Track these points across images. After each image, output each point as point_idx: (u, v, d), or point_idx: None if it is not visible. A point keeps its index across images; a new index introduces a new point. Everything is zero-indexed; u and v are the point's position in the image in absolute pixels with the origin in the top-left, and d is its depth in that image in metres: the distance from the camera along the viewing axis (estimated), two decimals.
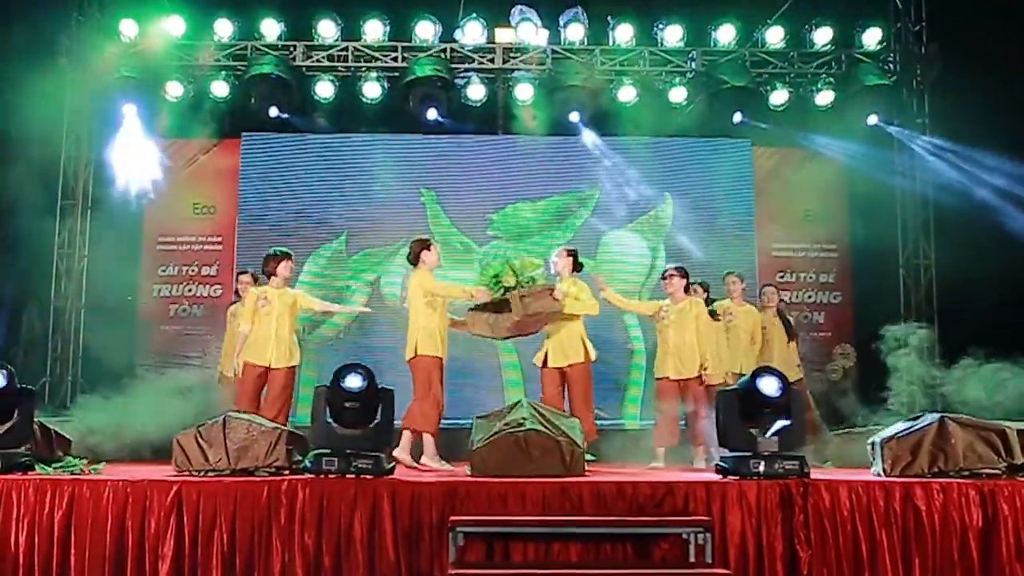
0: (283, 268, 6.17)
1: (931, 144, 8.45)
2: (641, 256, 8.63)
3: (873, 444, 4.97)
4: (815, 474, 4.58)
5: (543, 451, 4.80)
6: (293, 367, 6.07)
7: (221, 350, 6.92)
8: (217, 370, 6.89)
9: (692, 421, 6.21)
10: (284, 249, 6.30)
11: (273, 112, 8.24)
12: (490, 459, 4.79)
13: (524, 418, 4.97)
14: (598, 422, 6.36)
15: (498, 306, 5.75)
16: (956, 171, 8.25)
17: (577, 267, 6.29)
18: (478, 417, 5.28)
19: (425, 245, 5.91)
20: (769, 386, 4.58)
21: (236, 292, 7.12)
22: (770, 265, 8.67)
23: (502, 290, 5.69)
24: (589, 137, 8.61)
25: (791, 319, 7.24)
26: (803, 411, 4.75)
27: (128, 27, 8.08)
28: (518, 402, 5.31)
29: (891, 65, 8.56)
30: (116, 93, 8.08)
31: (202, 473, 4.58)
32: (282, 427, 4.84)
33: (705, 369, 6.21)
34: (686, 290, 6.43)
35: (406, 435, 5.64)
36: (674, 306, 6.37)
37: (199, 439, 4.67)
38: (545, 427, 4.93)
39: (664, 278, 6.49)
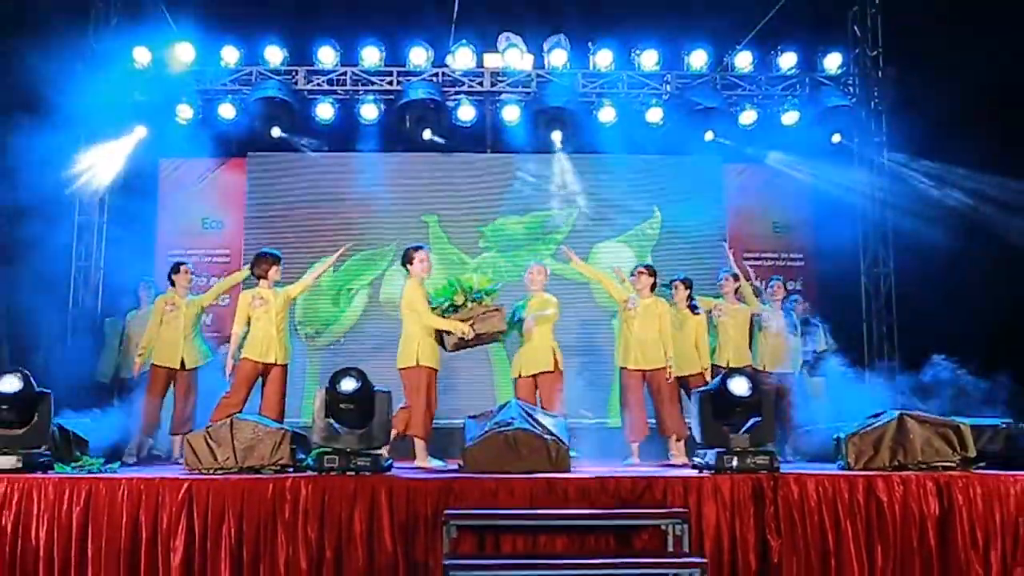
0: (273, 272, 6.13)
1: (889, 160, 8.50)
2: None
3: (838, 439, 5.00)
4: (785, 468, 4.59)
5: (531, 449, 4.81)
6: (287, 365, 6.05)
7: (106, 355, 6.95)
8: (109, 371, 6.88)
9: (660, 413, 6.21)
10: (274, 252, 6.25)
11: (276, 133, 8.20)
12: (481, 456, 4.79)
13: (513, 418, 4.97)
14: (583, 421, 6.38)
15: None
16: (913, 185, 8.32)
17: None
18: (470, 417, 5.29)
19: (412, 253, 5.82)
20: (739, 387, 4.61)
21: (138, 298, 7.17)
22: (741, 271, 8.67)
23: (453, 310, 5.69)
24: (559, 163, 8.62)
25: (796, 313, 7.20)
26: (773, 409, 4.76)
27: (141, 54, 8.05)
28: (507, 403, 5.31)
29: (851, 88, 8.61)
30: (131, 115, 8.04)
31: (211, 471, 4.56)
32: (286, 428, 4.82)
33: (670, 364, 6.18)
34: (652, 288, 6.41)
35: (419, 443, 5.59)
36: (641, 301, 6.36)
37: (208, 439, 4.65)
38: (532, 426, 4.93)
39: (633, 275, 6.48)
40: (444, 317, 5.64)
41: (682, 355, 6.40)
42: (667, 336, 6.26)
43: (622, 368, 6.30)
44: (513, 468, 4.68)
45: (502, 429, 4.88)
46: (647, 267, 6.49)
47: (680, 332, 6.47)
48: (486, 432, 4.89)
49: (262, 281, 6.11)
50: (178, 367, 6.29)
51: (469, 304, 5.65)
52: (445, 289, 5.78)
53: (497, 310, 5.73)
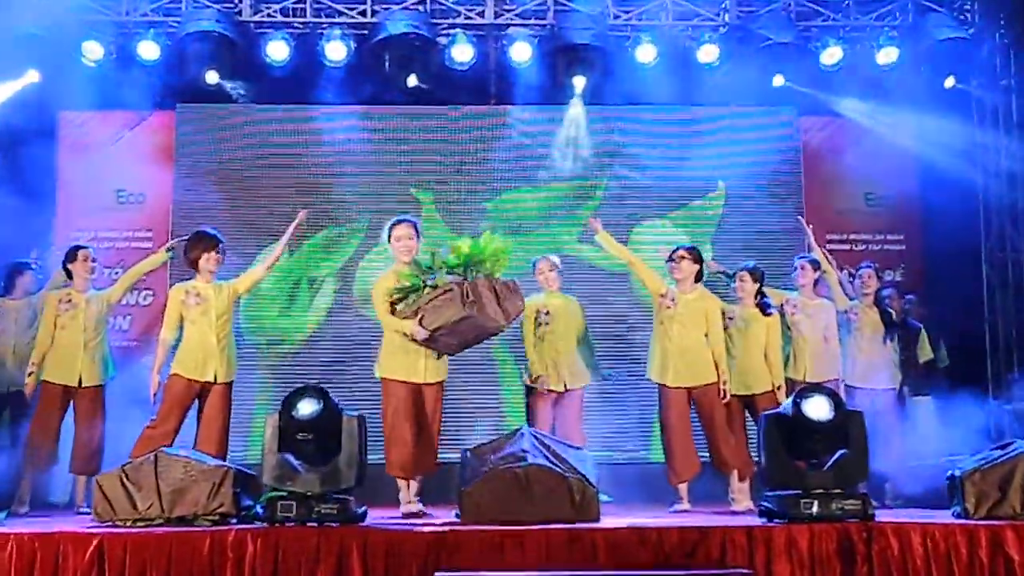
0: (211, 259, 6.02)
1: (1020, 111, 8.49)
2: None
3: (952, 478, 4.97)
4: (882, 516, 4.58)
5: (548, 490, 4.80)
6: (231, 384, 6.00)
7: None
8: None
9: (714, 444, 6.19)
10: (213, 232, 6.15)
11: (213, 78, 8.20)
12: (484, 500, 4.79)
13: (525, 450, 4.97)
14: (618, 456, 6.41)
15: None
16: None
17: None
18: (469, 450, 5.27)
19: (391, 228, 5.75)
20: (818, 409, 4.60)
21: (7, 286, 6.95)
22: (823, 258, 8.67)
23: (404, 298, 5.53)
24: (576, 119, 8.67)
25: (893, 311, 7.17)
26: (866, 437, 4.74)
27: None
28: (518, 430, 5.30)
29: (968, 15, 8.57)
30: (20, 54, 8.04)
31: (129, 523, 4.56)
32: (228, 466, 4.83)
33: (725, 382, 6.19)
34: (698, 278, 6.40)
35: (400, 482, 5.60)
36: (683, 295, 6.33)
37: (125, 481, 4.66)
38: (550, 461, 4.93)
39: (671, 260, 6.40)
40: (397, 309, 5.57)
41: (748, 368, 6.39)
42: (718, 341, 6.26)
43: (660, 385, 6.30)
44: (525, 515, 4.66)
45: (511, 465, 4.87)
46: (689, 250, 6.44)
47: (745, 337, 6.45)
48: (490, 469, 4.88)
49: (198, 273, 6.06)
50: (76, 384, 6.29)
51: (425, 288, 5.43)
52: (414, 266, 5.65)
53: (449, 290, 5.33)
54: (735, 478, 6.17)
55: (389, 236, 5.72)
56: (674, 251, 6.46)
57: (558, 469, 4.90)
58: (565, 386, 6.51)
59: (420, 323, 5.35)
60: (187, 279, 6.17)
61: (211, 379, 5.88)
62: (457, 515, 4.94)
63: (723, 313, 6.45)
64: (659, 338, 6.38)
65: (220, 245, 6.10)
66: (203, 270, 6.02)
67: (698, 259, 6.37)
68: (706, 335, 6.27)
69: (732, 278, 6.72)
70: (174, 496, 4.64)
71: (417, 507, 5.53)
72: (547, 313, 6.57)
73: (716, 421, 6.17)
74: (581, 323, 6.74)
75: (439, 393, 5.66)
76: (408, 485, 5.57)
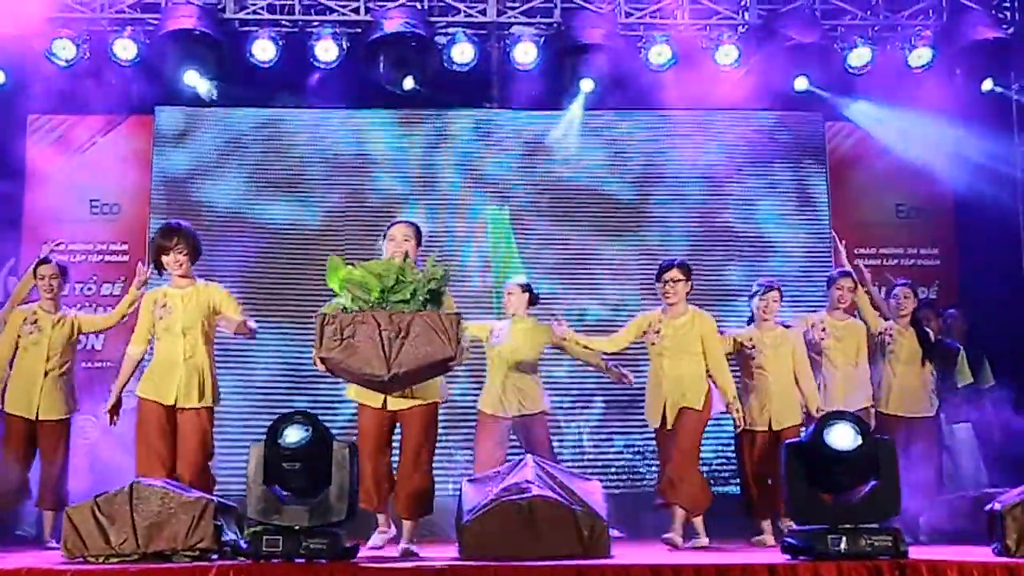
0: (170, 260, 5.59)
1: None
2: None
3: (992, 513, 4.97)
4: (916, 553, 4.57)
5: (554, 524, 4.79)
6: (211, 408, 5.68)
7: None
8: None
9: (663, 471, 6.21)
10: (172, 225, 5.75)
11: (194, 80, 8.24)
12: (485, 535, 4.77)
13: (529, 481, 4.97)
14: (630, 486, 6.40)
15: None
16: None
17: (533, 301, 6.82)
18: (469, 481, 5.27)
19: (385, 232, 5.56)
20: (842, 437, 4.57)
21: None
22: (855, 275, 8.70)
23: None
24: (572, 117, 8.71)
25: (931, 331, 7.14)
26: (897, 467, 4.74)
27: None
28: (521, 460, 5.30)
29: (1007, 12, 8.62)
30: None
31: (101, 559, 4.56)
32: (208, 498, 4.82)
33: (738, 410, 6.16)
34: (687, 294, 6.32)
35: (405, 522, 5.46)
36: (671, 322, 6.25)
37: (97, 513, 4.64)
38: (556, 493, 4.93)
39: (663, 281, 6.23)
40: None
41: (777, 396, 6.39)
42: (722, 368, 6.17)
43: (657, 430, 6.29)
44: (530, 551, 4.64)
45: (515, 497, 4.85)
46: (681, 267, 6.27)
47: (775, 362, 6.47)
48: (492, 501, 4.88)
49: (173, 276, 5.70)
50: (33, 418, 6.22)
51: (387, 301, 5.03)
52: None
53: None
54: (678, 514, 6.09)
55: (385, 236, 5.52)
56: (664, 270, 6.26)
57: (565, 501, 4.89)
58: (520, 412, 6.64)
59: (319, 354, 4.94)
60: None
61: (188, 404, 5.56)
62: (459, 551, 4.94)
63: (737, 340, 6.50)
64: (651, 377, 6.32)
65: (193, 240, 5.70)
66: (173, 272, 5.65)
67: (690, 275, 6.27)
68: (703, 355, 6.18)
69: (754, 297, 6.68)
70: (150, 530, 4.61)
71: (383, 539, 5.42)
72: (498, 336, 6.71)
73: (680, 446, 6.10)
74: (537, 348, 6.81)
75: (421, 419, 5.27)
76: (386, 519, 5.51)
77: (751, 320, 6.72)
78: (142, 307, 5.75)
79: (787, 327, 6.60)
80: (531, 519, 4.79)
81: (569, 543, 4.76)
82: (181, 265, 5.60)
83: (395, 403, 5.23)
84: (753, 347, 6.53)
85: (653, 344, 6.23)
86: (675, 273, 6.20)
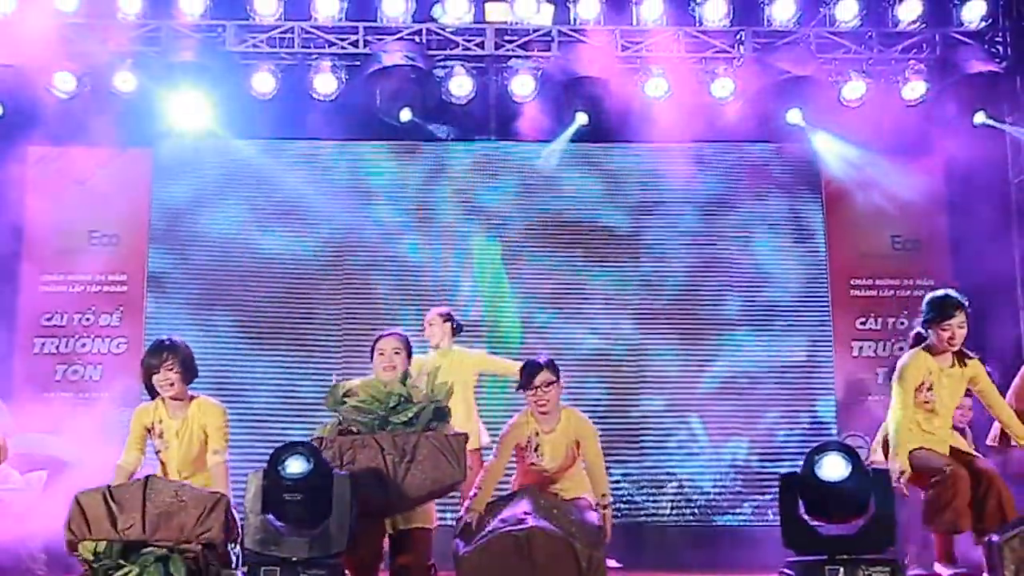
0: (160, 379, 5.02)
1: None
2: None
3: (990, 543, 4.97)
4: None
5: (551, 556, 4.77)
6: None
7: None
8: None
9: None
10: (163, 342, 5.11)
11: (193, 112, 8.28)
12: (483, 567, 4.76)
13: (526, 512, 4.96)
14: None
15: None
16: None
17: (456, 331, 6.70)
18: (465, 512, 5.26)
19: (374, 344, 5.30)
20: (833, 469, 4.58)
21: None
22: (848, 307, 8.75)
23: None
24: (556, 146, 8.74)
25: None
26: (892, 497, 4.74)
27: (3, 0, 8.16)
28: (518, 492, 5.29)
29: (999, 47, 8.68)
30: None
31: (103, 546, 4.51)
32: (223, 495, 4.77)
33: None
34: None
35: None
36: (547, 437, 5.43)
37: (108, 499, 4.58)
38: (554, 524, 4.92)
39: (530, 388, 5.36)
40: None
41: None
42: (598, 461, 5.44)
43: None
44: None
45: (511, 528, 4.84)
46: (551, 367, 5.42)
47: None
48: (489, 533, 4.87)
49: (165, 398, 5.11)
50: None
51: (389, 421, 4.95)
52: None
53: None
54: None
55: (372, 351, 5.25)
56: (532, 372, 5.39)
57: (561, 533, 4.88)
58: None
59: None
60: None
61: None
62: None
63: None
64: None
65: (171, 358, 5.06)
66: (162, 387, 5.08)
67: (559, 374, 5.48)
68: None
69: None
70: (159, 519, 4.51)
71: None
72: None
73: None
74: (466, 378, 6.65)
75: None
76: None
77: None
78: (133, 421, 5.16)
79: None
80: (528, 551, 4.77)
81: (567, 575, 4.74)
82: (172, 384, 5.03)
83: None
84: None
85: (533, 465, 5.46)
86: (546, 376, 5.38)
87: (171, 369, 5.02)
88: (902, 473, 5.05)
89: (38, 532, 5.78)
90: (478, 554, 4.82)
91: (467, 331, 8.36)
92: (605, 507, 5.16)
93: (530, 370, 5.40)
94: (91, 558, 4.47)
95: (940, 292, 5.41)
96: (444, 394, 4.93)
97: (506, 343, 8.43)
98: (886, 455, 5.39)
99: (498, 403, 8.00)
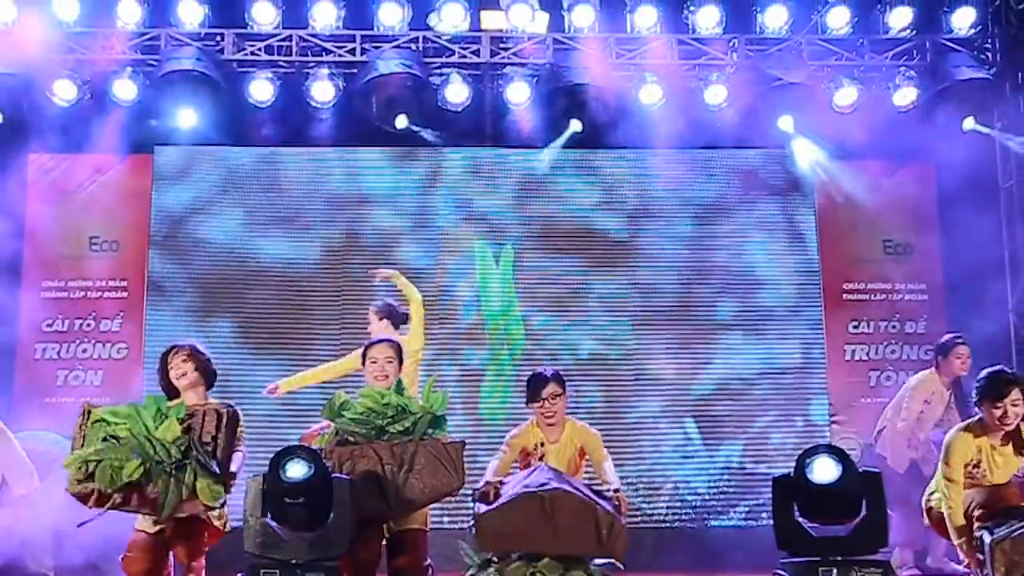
0: (175, 373, 5.13)
1: None
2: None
3: (980, 543, 4.99)
4: None
5: (573, 519, 4.69)
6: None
7: None
8: None
9: None
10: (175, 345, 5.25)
11: (193, 120, 8.32)
12: (504, 526, 4.70)
13: (549, 478, 4.89)
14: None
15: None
16: None
17: (397, 324, 6.50)
18: (476, 490, 5.11)
19: (365, 351, 5.32)
20: (823, 471, 4.61)
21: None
22: (840, 311, 8.79)
23: None
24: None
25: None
26: (883, 498, 4.77)
27: (3, 9, 8.19)
28: (538, 467, 5.22)
29: (988, 54, 8.74)
30: None
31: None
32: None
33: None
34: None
35: None
36: (552, 447, 5.54)
37: None
38: (576, 490, 4.87)
39: (538, 400, 5.47)
40: None
41: None
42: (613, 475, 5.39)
43: None
44: (547, 546, 4.60)
45: (535, 490, 4.75)
46: (557, 379, 5.51)
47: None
48: (514, 495, 4.78)
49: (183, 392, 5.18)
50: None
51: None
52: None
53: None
54: None
55: (364, 357, 5.25)
56: (539, 385, 5.46)
57: (582, 495, 4.80)
58: None
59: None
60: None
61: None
62: (467, 544, 4.85)
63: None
64: None
65: (183, 351, 5.22)
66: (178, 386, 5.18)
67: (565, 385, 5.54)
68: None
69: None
70: None
71: None
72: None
73: None
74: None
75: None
76: None
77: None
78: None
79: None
80: (551, 511, 4.68)
81: (587, 540, 4.68)
82: (185, 375, 5.13)
83: None
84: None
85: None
86: (553, 389, 5.48)
87: (184, 360, 5.14)
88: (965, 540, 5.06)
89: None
90: (500, 513, 4.73)
91: (466, 335, 8.47)
92: (618, 492, 5.11)
93: (537, 383, 5.48)
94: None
95: (995, 368, 5.23)
96: (440, 404, 4.95)
97: (504, 346, 8.48)
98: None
99: (502, 414, 8.10)
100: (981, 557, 4.96)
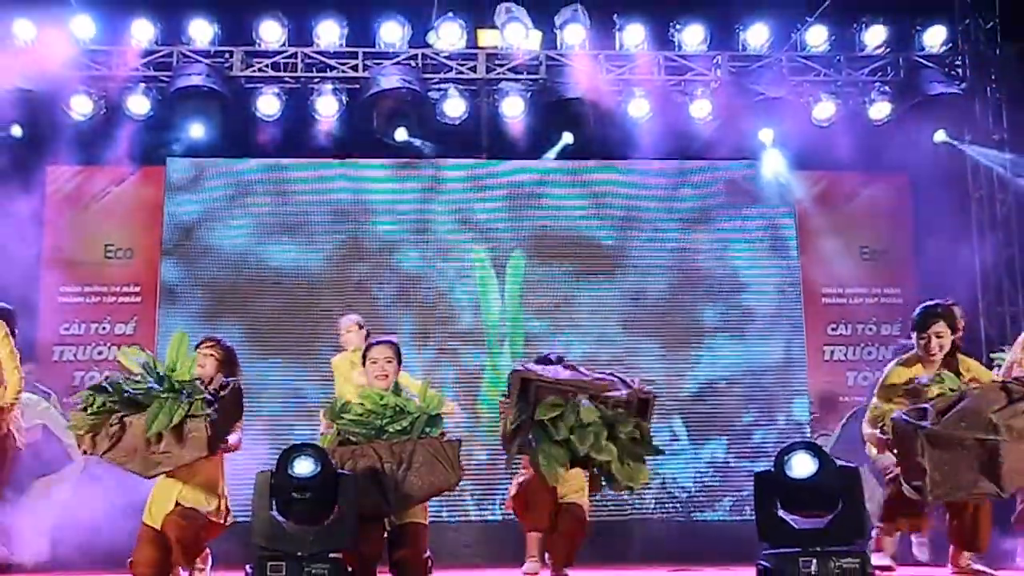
0: (199, 361, 5.13)
1: (1012, 163, 8.62)
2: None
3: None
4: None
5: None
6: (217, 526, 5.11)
7: None
8: None
9: None
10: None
11: (202, 133, 8.34)
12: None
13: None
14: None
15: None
16: None
17: (368, 336, 6.69)
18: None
19: (365, 352, 5.29)
20: (801, 467, 4.62)
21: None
22: (819, 314, 8.82)
23: None
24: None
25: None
26: (860, 492, 4.78)
27: (23, 28, 8.20)
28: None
29: (959, 70, 8.78)
30: (7, 110, 8.17)
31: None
32: None
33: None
34: None
35: None
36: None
37: None
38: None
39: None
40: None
41: None
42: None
43: None
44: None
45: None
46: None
47: None
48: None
49: None
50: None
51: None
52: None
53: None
54: None
55: (364, 358, 5.24)
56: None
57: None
58: None
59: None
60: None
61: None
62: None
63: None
64: None
65: (210, 343, 5.25)
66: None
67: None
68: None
69: None
70: None
71: None
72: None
73: None
74: None
75: None
76: None
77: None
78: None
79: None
80: None
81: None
82: (203, 367, 5.08)
83: None
84: None
85: None
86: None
87: (209, 353, 5.13)
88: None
89: None
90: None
91: (465, 338, 8.48)
92: None
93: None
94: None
95: (927, 302, 5.33)
96: (436, 404, 4.98)
97: (501, 349, 8.51)
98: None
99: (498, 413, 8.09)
100: (883, 437, 5.02)
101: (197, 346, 5.21)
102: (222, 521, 5.08)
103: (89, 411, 4.68)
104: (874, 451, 5.48)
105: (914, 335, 5.25)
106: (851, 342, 8.86)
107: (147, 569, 4.87)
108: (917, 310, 5.31)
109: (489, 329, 8.62)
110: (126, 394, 4.70)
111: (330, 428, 5.12)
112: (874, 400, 5.30)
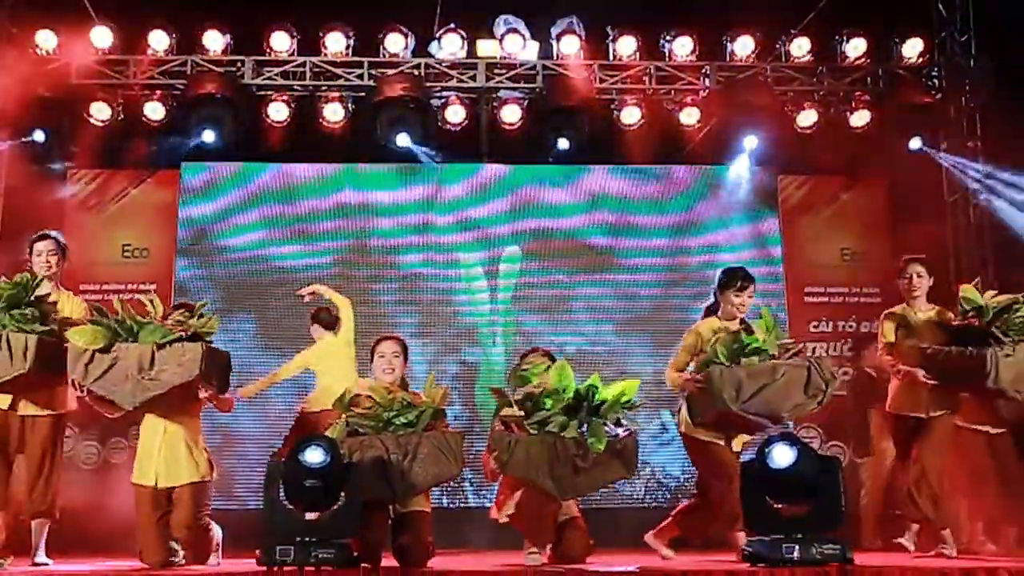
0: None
1: (985, 171, 8.64)
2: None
3: None
4: (861, 559, 4.61)
5: None
6: (206, 483, 5.16)
7: None
8: None
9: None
10: None
11: (214, 138, 8.34)
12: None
13: None
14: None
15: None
16: (1017, 203, 8.42)
17: (331, 327, 7.08)
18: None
19: (373, 348, 5.32)
20: (781, 457, 4.63)
21: None
22: (802, 313, 8.82)
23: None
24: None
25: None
26: (840, 482, 4.78)
27: (45, 39, 8.20)
28: None
29: (935, 80, 8.80)
30: (30, 116, 8.16)
31: None
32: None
33: None
34: None
35: None
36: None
37: None
38: None
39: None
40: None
41: None
42: None
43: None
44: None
45: None
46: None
47: None
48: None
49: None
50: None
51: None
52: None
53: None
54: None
55: (373, 352, 5.25)
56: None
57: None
58: None
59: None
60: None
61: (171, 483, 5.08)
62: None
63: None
64: None
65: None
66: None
67: None
68: None
69: None
70: None
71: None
72: None
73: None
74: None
75: None
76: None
77: None
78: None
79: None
80: None
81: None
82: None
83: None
84: None
85: None
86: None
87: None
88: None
89: None
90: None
91: (463, 335, 8.48)
92: None
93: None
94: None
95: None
96: (441, 398, 4.98)
97: (499, 346, 8.50)
98: None
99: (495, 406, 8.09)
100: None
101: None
102: (208, 479, 5.16)
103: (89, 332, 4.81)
104: None
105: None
106: (832, 339, 8.84)
107: (154, 531, 4.95)
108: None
109: (486, 327, 8.61)
110: (127, 322, 4.82)
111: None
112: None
